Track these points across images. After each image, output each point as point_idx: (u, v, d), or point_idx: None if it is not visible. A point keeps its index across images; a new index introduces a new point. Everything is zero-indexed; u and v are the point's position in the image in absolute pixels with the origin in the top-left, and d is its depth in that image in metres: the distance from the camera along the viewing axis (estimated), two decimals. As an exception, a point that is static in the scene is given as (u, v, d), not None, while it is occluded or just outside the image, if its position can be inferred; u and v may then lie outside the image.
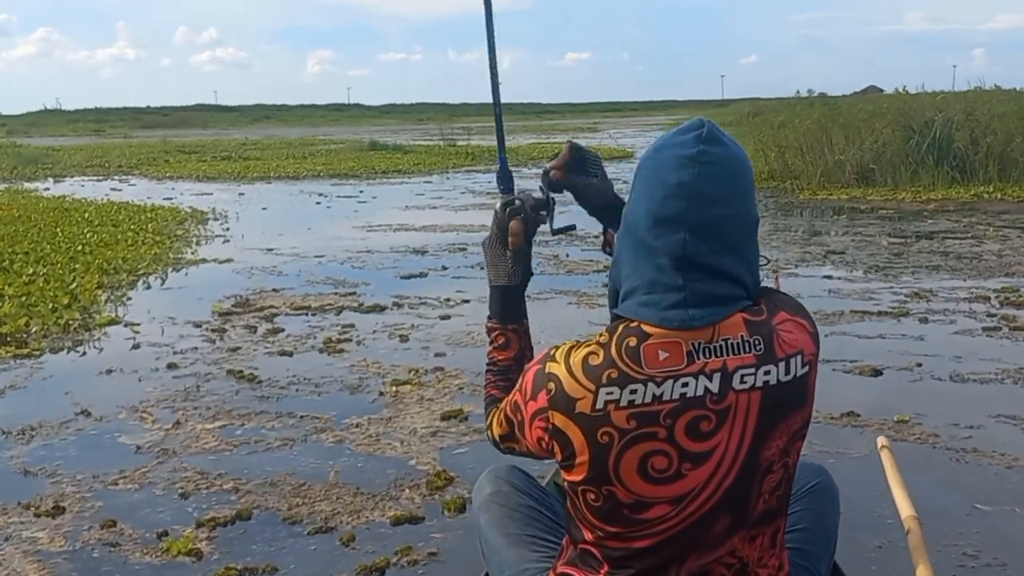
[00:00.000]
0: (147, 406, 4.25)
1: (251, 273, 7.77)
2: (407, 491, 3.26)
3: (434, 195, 14.38)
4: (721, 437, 1.44)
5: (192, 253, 8.95)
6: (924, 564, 1.85)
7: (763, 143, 15.12)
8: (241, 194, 15.54)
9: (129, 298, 6.76)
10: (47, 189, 17.14)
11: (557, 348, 1.53)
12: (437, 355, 4.96)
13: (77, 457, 3.67)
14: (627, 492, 1.46)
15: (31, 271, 7.46)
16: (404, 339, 5.35)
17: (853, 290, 6.32)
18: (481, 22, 1.90)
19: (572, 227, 1.94)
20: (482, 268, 7.55)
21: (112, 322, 5.94)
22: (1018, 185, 11.99)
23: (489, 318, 1.88)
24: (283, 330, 5.66)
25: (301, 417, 4.06)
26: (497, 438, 1.72)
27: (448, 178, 17.76)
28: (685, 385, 1.42)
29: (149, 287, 7.26)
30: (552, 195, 1.87)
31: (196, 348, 5.28)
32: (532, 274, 1.90)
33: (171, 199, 14.43)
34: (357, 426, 3.93)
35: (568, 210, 1.98)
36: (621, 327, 1.47)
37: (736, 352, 1.43)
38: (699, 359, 1.42)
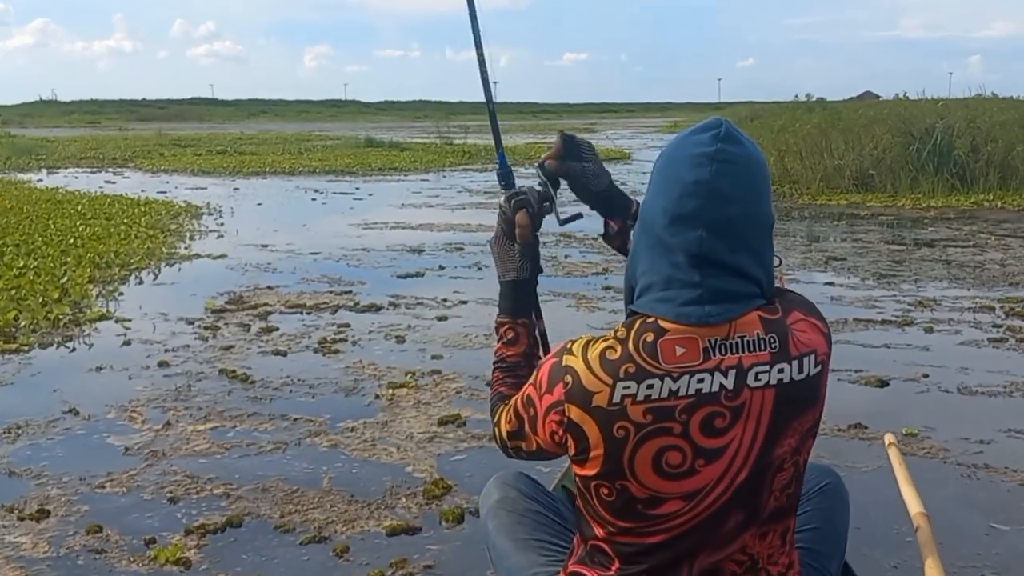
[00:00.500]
0: (137, 405, 4.15)
1: (245, 269, 7.67)
2: (403, 499, 3.16)
3: (431, 193, 14.28)
4: (735, 434, 1.44)
5: (186, 248, 8.84)
6: (933, 559, 1.83)
7: (762, 147, 14.44)
8: (236, 189, 15.44)
9: (121, 293, 6.65)
10: (40, 180, 17.01)
11: (574, 342, 1.52)
12: (434, 357, 4.86)
13: (64, 458, 3.57)
14: (641, 487, 1.46)
15: (21, 264, 7.33)
16: (400, 340, 5.25)
17: (856, 298, 6.24)
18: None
19: (579, 215, 1.92)
20: (479, 268, 7.58)
21: (103, 317, 5.83)
22: (1018, 194, 11.91)
23: (498, 315, 1.88)
24: (277, 329, 5.56)
25: (295, 420, 3.96)
26: (505, 435, 1.68)
27: (445, 176, 17.68)
28: (701, 381, 1.43)
29: (141, 282, 7.15)
30: (551, 186, 1.88)
31: (188, 346, 5.18)
32: (542, 271, 1.91)
33: (165, 193, 14.31)
34: (352, 430, 3.83)
35: (569, 205, 1.93)
36: (638, 322, 1.47)
37: (752, 349, 1.44)
38: (715, 355, 1.43)
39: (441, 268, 7.63)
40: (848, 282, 6.84)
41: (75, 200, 12.55)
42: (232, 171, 19.11)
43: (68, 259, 7.64)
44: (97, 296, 6.46)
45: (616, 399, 1.43)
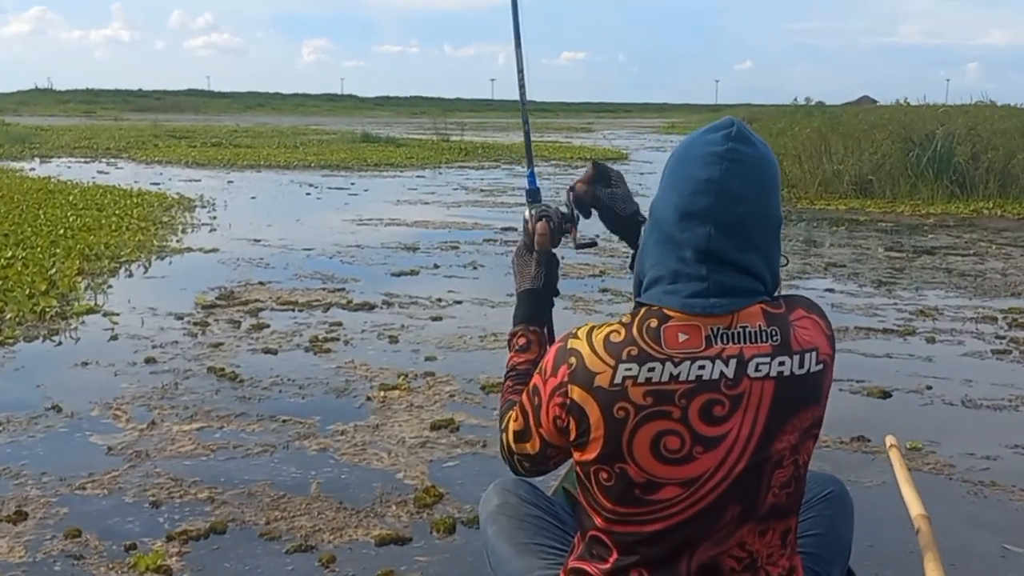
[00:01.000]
0: (122, 403, 4.04)
1: (237, 264, 7.55)
2: (393, 507, 3.06)
3: (426, 190, 14.17)
4: (733, 423, 1.47)
5: (177, 241, 8.72)
6: (934, 561, 1.82)
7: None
8: (230, 182, 15.30)
9: (110, 286, 6.53)
10: (32, 169, 16.82)
11: (579, 328, 1.56)
12: (427, 359, 4.76)
13: (44, 457, 3.46)
14: (639, 471, 1.49)
15: (9, 254, 7.19)
16: (393, 340, 5.15)
17: (856, 305, 6.15)
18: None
19: (594, 243, 2.02)
20: (475, 268, 7.52)
21: (90, 311, 5.72)
22: (1018, 202, 11.87)
23: (512, 327, 1.92)
24: (268, 326, 5.45)
25: (283, 421, 3.86)
26: (511, 439, 1.70)
27: (441, 173, 17.55)
28: (702, 367, 1.46)
29: (131, 275, 7.04)
30: (577, 212, 1.97)
31: (176, 342, 5.06)
32: (559, 293, 1.96)
33: (158, 184, 14.16)
34: (342, 433, 3.73)
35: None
36: (644, 310, 1.51)
37: (753, 340, 1.47)
38: (717, 344, 1.46)
39: (436, 267, 7.52)
40: (848, 289, 6.75)
41: (67, 190, 12.40)
42: (227, 164, 18.96)
43: (57, 250, 7.51)
44: (85, 289, 6.34)
45: (618, 380, 1.46)
